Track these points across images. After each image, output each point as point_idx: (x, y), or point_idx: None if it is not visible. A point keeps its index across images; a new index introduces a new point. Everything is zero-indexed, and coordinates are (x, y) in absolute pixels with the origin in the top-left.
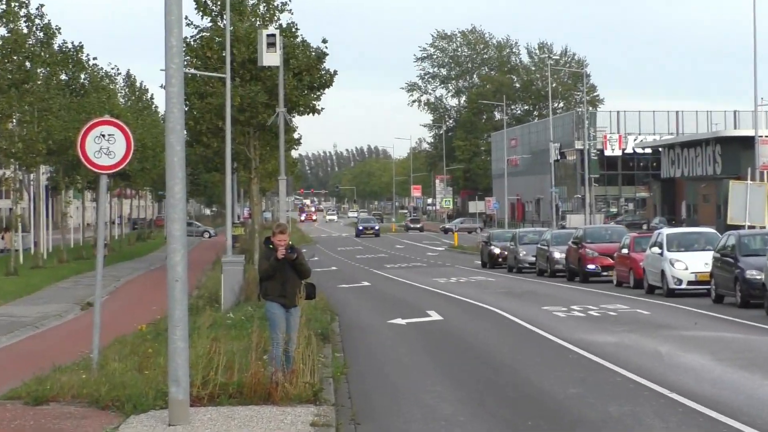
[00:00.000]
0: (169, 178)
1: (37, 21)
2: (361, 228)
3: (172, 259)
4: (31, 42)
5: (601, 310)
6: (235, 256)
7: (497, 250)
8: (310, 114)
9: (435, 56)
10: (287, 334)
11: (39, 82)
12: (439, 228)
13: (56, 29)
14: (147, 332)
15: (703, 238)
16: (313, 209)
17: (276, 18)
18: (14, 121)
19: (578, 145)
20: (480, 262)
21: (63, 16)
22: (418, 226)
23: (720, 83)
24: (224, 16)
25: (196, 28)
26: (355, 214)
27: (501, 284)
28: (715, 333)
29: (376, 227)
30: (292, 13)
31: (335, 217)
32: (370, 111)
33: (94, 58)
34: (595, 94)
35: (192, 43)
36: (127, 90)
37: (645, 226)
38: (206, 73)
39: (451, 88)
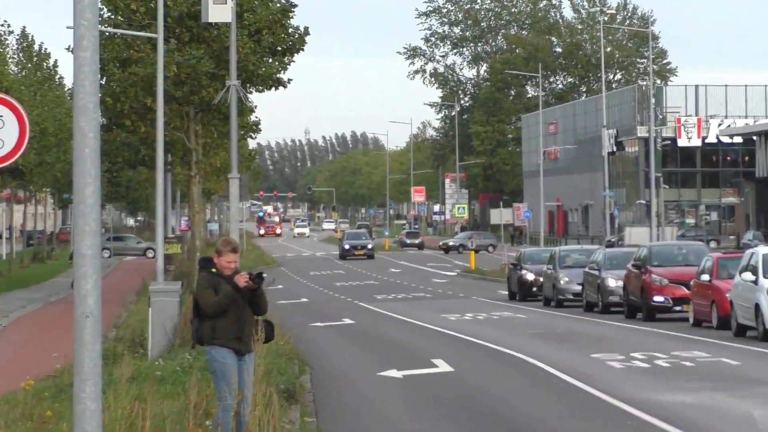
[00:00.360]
0: (77, 176)
1: None
2: (347, 247)
3: (82, 287)
4: None
5: (673, 358)
6: (169, 284)
7: (530, 276)
8: (273, 88)
9: (445, 10)
10: (239, 392)
11: None
12: (438, 245)
13: None
14: (44, 388)
15: None
16: (276, 219)
17: None
18: None
19: (642, 131)
20: (506, 293)
21: None
22: (417, 242)
23: None
24: None
25: None
26: (332, 226)
27: (534, 322)
28: None
29: (369, 245)
30: None
31: (307, 230)
32: (355, 85)
33: None
34: (665, 61)
35: None
36: (21, 55)
37: (714, 244)
38: (130, 33)
39: (467, 53)
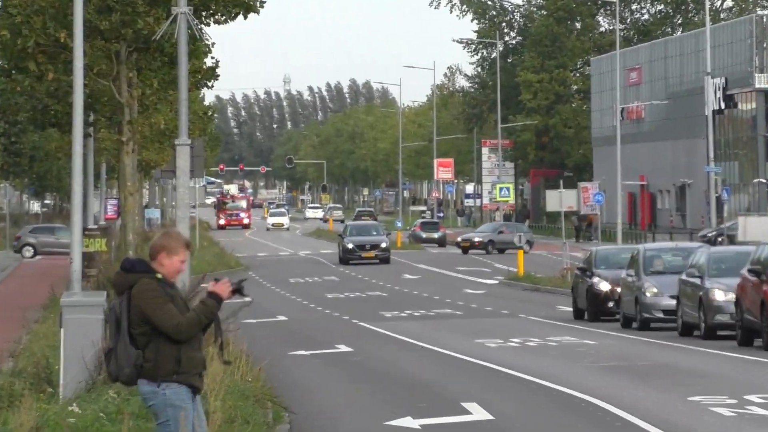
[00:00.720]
0: None
1: None
2: (351, 246)
3: None
4: None
5: None
6: (89, 294)
7: (604, 286)
8: (238, 17)
9: None
10: None
11: None
12: (455, 242)
13: None
14: None
15: None
16: (243, 204)
17: None
18: None
19: (761, 81)
20: (570, 309)
21: None
22: (436, 236)
23: None
24: None
25: None
26: (320, 213)
27: (609, 351)
28: None
29: (384, 244)
30: None
31: (285, 220)
32: (354, 16)
33: None
34: None
35: None
36: None
37: None
38: None
39: None
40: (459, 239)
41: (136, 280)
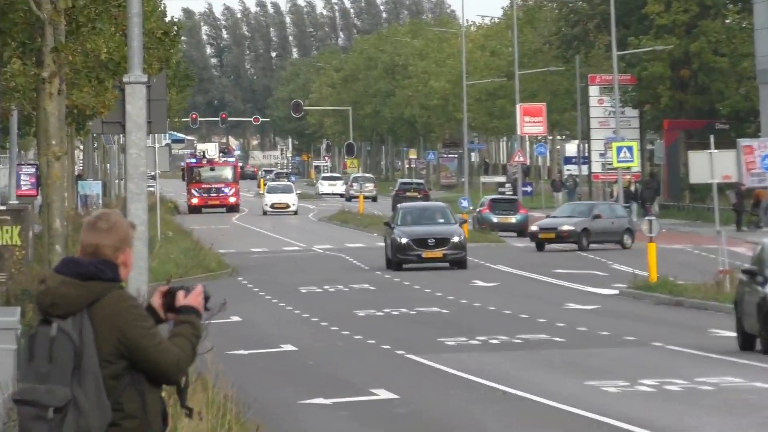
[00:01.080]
0: None
1: None
2: (404, 240)
3: None
4: None
5: None
6: None
7: None
8: None
9: None
10: None
11: None
12: (529, 231)
13: None
14: None
15: None
16: (227, 174)
17: None
18: None
19: None
20: (734, 334)
21: None
22: (513, 220)
23: None
24: None
25: None
26: (339, 188)
27: None
28: None
29: (457, 237)
30: None
31: (292, 198)
32: None
33: None
34: None
35: None
36: None
37: None
38: None
39: None
40: (535, 227)
41: (104, 292)
